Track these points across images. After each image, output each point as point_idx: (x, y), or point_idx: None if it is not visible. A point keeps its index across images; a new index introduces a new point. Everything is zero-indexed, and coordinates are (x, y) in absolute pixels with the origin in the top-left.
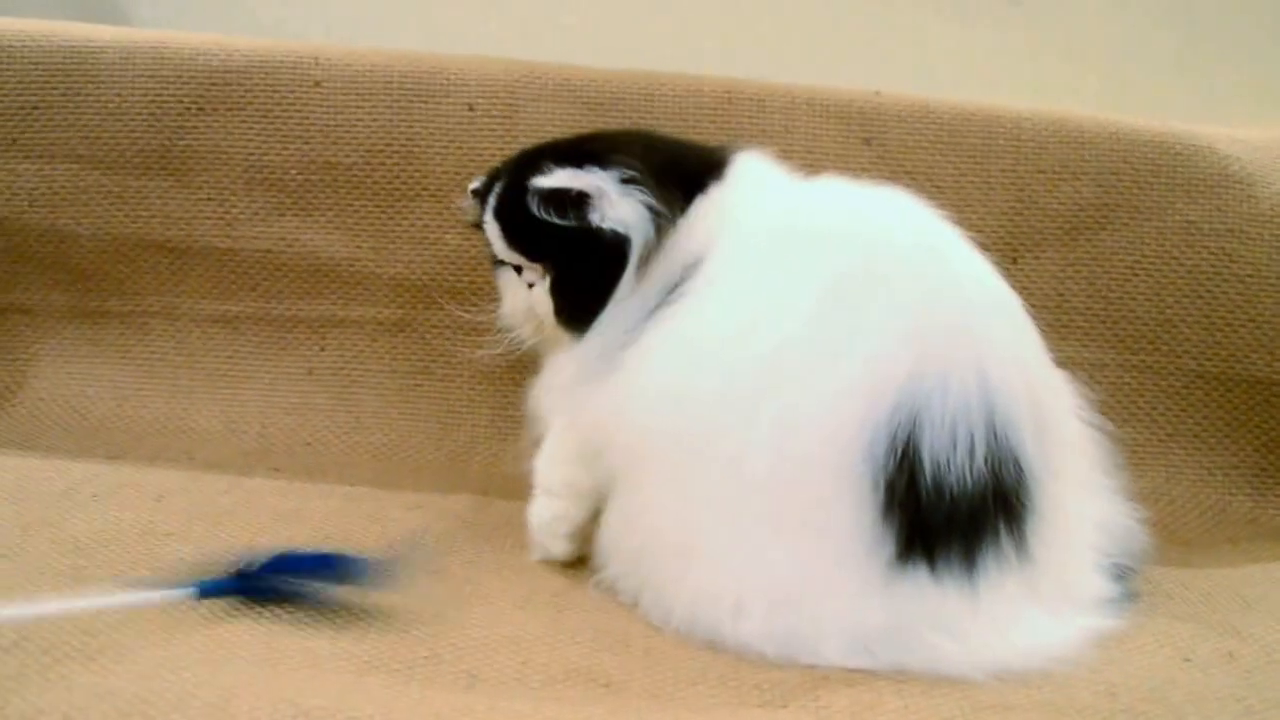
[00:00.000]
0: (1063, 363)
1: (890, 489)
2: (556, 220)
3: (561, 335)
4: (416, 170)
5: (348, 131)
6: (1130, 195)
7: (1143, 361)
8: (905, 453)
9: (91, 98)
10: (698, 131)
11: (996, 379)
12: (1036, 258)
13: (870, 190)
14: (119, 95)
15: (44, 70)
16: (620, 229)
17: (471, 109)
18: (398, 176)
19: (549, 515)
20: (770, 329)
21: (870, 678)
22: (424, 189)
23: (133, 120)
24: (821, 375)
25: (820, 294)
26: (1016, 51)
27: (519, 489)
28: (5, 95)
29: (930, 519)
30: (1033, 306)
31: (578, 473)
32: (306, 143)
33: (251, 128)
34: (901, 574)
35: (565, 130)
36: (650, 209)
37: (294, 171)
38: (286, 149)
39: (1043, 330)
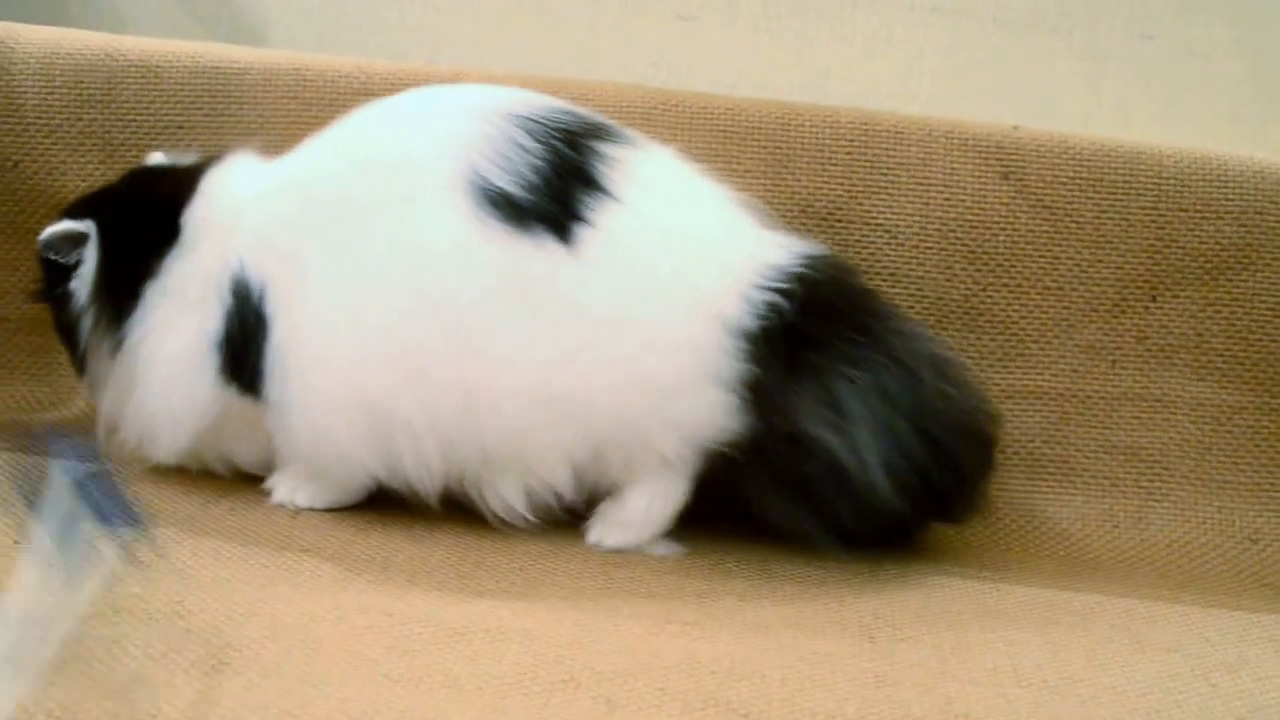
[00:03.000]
0: (1200, 404)
1: (510, 218)
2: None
3: None
4: None
5: None
6: (1274, 235)
7: None
8: (492, 196)
9: (234, 118)
10: (834, 164)
11: (498, 103)
12: (1175, 296)
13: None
14: (261, 116)
15: (190, 90)
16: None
17: None
18: None
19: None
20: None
21: None
22: None
23: (274, 141)
24: (414, 230)
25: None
26: (1150, 87)
27: None
28: (152, 115)
29: (544, 200)
30: (1170, 346)
31: None
32: None
33: None
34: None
35: (705, 159)
36: None
37: None
38: None
39: (1180, 370)
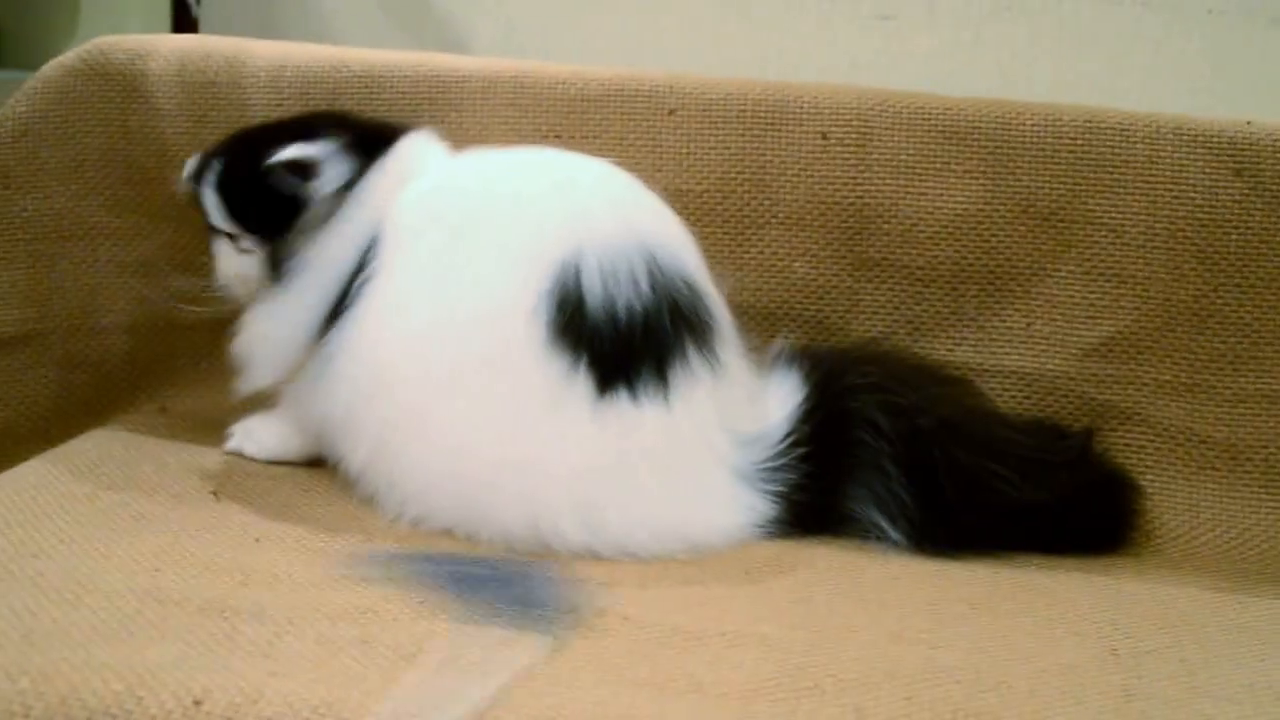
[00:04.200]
0: None
1: (563, 333)
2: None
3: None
4: (767, 198)
5: (700, 159)
6: None
7: None
8: (566, 300)
9: (455, 125)
10: (1056, 163)
11: (643, 226)
12: None
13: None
14: (481, 124)
15: (411, 99)
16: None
17: (825, 137)
18: (748, 204)
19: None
20: (447, 263)
21: None
22: (774, 217)
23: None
24: (486, 268)
25: (472, 223)
26: None
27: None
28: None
29: (609, 347)
30: None
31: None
32: (659, 170)
33: (604, 155)
34: (608, 406)
35: (922, 160)
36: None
37: None
38: (640, 176)
39: None
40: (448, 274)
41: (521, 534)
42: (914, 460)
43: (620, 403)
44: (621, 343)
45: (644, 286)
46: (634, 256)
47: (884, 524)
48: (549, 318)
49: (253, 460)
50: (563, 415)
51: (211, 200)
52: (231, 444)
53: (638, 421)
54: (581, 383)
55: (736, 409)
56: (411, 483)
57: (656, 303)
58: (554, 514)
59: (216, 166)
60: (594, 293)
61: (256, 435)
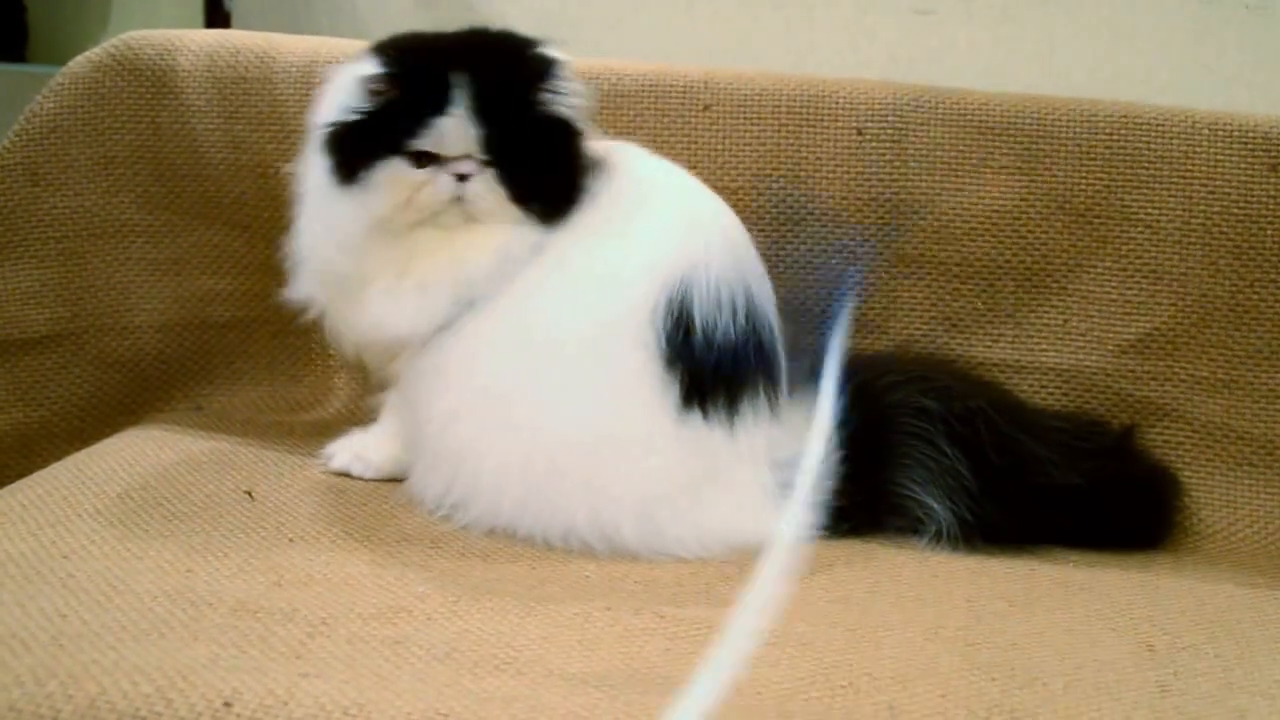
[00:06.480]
0: None
1: (670, 344)
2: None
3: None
4: (803, 195)
5: (735, 155)
6: None
7: None
8: (680, 315)
9: None
10: (1092, 158)
11: (746, 266)
12: None
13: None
14: None
15: None
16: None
17: (860, 133)
18: (784, 200)
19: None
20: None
21: None
22: (809, 213)
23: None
24: (612, 275)
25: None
26: None
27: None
28: None
29: (702, 367)
30: None
31: None
32: (694, 166)
33: None
34: (684, 420)
35: (958, 156)
36: None
37: None
38: None
39: None
40: (573, 265)
41: (584, 527)
42: (968, 436)
43: (694, 419)
44: (712, 364)
45: (740, 319)
46: (736, 290)
47: (937, 505)
48: (663, 324)
49: (361, 479)
50: (652, 417)
51: (465, 121)
52: (337, 464)
53: (706, 439)
54: (674, 391)
55: (780, 444)
56: (483, 463)
57: (746, 337)
58: (618, 510)
59: (468, 81)
60: (702, 312)
61: (366, 455)
